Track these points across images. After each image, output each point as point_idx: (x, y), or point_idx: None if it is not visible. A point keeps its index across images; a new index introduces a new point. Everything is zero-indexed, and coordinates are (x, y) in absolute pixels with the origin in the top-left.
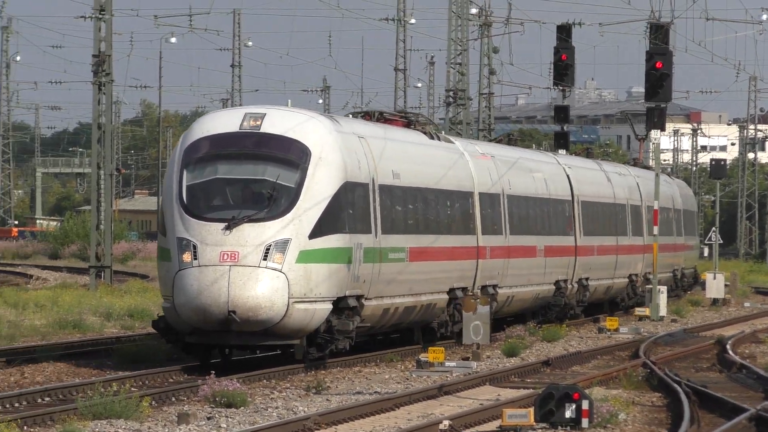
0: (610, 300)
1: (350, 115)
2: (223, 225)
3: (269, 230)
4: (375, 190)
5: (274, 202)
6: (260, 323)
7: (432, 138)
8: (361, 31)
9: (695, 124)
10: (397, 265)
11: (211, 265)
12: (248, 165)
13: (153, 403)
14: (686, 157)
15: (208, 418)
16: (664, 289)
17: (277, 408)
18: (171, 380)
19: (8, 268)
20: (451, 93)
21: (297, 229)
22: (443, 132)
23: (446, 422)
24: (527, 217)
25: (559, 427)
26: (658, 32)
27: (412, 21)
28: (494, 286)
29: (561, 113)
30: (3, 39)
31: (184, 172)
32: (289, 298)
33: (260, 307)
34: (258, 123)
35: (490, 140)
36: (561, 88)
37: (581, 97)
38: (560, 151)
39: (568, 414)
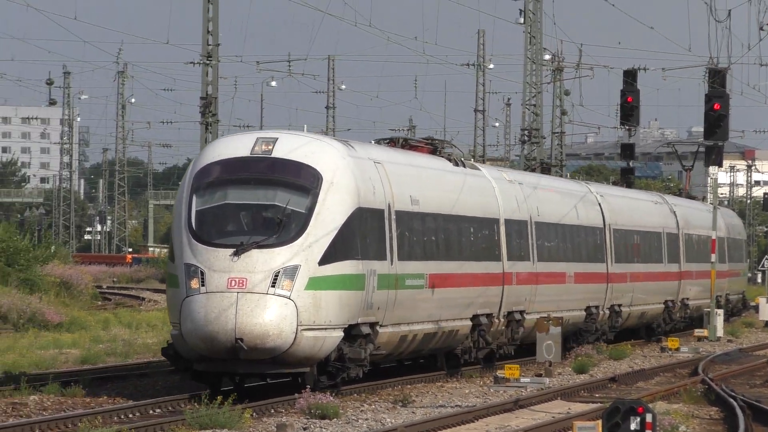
0: (647, 325)
1: (372, 141)
2: (231, 251)
3: (278, 256)
4: (391, 216)
5: (283, 227)
6: (268, 351)
7: (456, 165)
8: (444, 75)
9: (750, 161)
10: (415, 292)
11: (218, 291)
12: (258, 190)
13: (254, 414)
14: (741, 191)
15: (304, 429)
16: (721, 312)
17: (366, 419)
18: (270, 394)
19: (123, 292)
20: (526, 132)
21: (306, 255)
22: (472, 159)
23: None
24: (556, 244)
25: None
26: (716, 77)
27: (491, 66)
28: (521, 312)
29: (627, 150)
30: (119, 83)
31: (194, 197)
32: (297, 325)
33: (268, 335)
34: (270, 147)
35: (525, 169)
36: (627, 127)
37: (645, 135)
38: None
39: (633, 426)
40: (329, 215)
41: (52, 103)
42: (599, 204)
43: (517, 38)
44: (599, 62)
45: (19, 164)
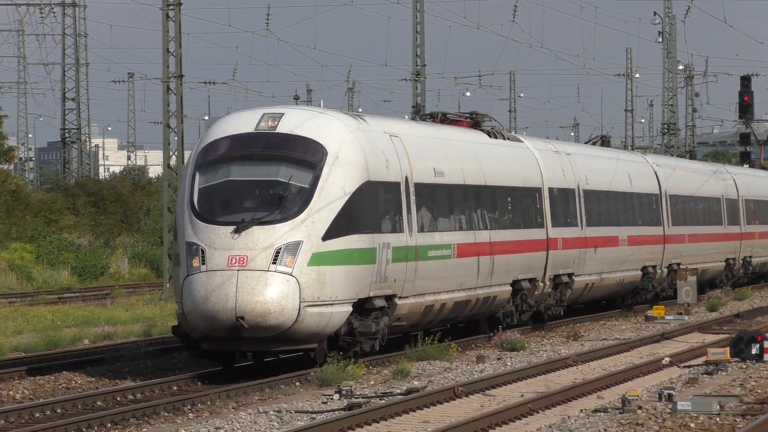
0: (709, 281)
1: (416, 117)
2: (232, 228)
3: (279, 233)
4: (409, 189)
5: (285, 203)
6: (270, 329)
7: (494, 137)
8: (601, 84)
9: None
10: (441, 262)
11: (218, 269)
12: (261, 166)
13: (458, 348)
14: None
15: (498, 359)
16: None
17: (546, 351)
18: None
19: None
20: (665, 126)
21: (309, 230)
22: (515, 132)
23: (667, 358)
24: (607, 210)
25: (747, 361)
26: None
27: (637, 75)
28: (570, 275)
29: (744, 139)
30: (349, 97)
31: (197, 175)
32: (300, 302)
33: (269, 313)
34: (275, 123)
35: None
36: (744, 120)
37: (758, 126)
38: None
39: (753, 351)
40: (334, 190)
41: None
42: (656, 173)
43: (657, 53)
44: (722, 70)
45: None
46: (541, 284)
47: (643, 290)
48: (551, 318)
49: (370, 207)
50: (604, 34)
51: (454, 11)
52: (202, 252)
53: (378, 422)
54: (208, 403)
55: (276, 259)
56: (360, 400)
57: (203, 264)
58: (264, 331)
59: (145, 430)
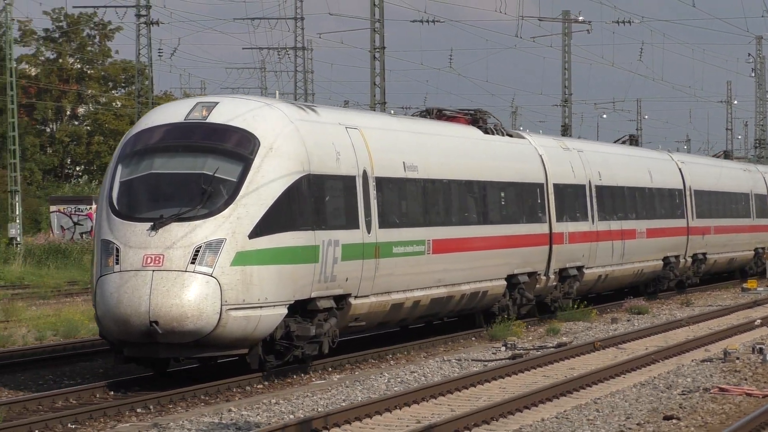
0: (740, 268)
1: (411, 114)
2: (148, 225)
3: (200, 230)
4: (368, 183)
5: (209, 198)
6: (188, 334)
7: (489, 133)
8: (707, 109)
9: None
10: (411, 259)
11: (132, 270)
12: (187, 158)
13: (597, 312)
14: None
15: (627, 320)
16: None
17: (665, 314)
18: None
19: None
20: (757, 141)
21: (234, 227)
22: (519, 130)
23: (758, 320)
24: (623, 205)
25: None
26: None
27: (735, 102)
28: (579, 268)
29: None
30: (513, 119)
31: (119, 168)
32: (221, 305)
33: (186, 317)
34: (207, 113)
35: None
36: None
37: None
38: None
39: None
40: (265, 184)
41: None
42: (680, 170)
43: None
44: None
45: None
46: (544, 278)
47: (664, 279)
48: (558, 308)
49: (311, 202)
50: (710, 70)
51: (594, 53)
52: (117, 251)
53: (535, 369)
54: (405, 353)
55: (195, 259)
56: (521, 351)
57: (117, 264)
58: (181, 336)
59: (357, 372)
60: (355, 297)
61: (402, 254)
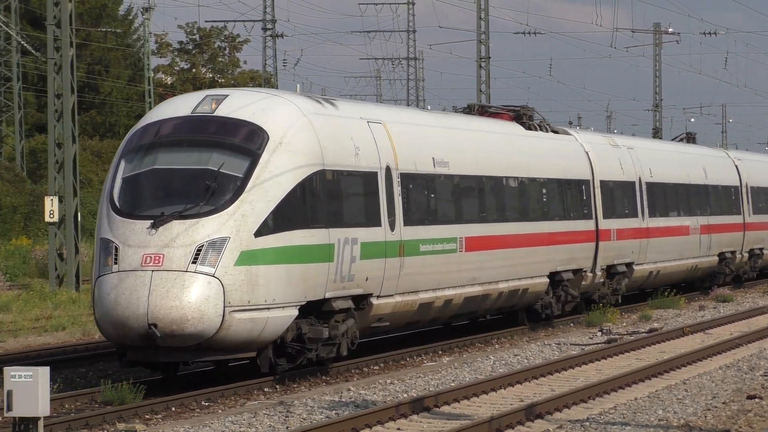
0: None
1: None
2: (149, 223)
3: (203, 228)
4: (392, 179)
5: (212, 195)
6: (189, 337)
7: (532, 129)
8: None
9: None
10: (441, 257)
11: (131, 270)
12: (192, 153)
13: (686, 300)
14: None
15: (714, 308)
16: None
17: (748, 302)
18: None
19: None
20: None
21: (239, 225)
22: (568, 126)
23: None
24: (676, 201)
25: None
26: None
27: None
28: (629, 264)
29: None
30: (607, 123)
31: (122, 163)
32: (224, 306)
33: (186, 319)
34: (215, 106)
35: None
36: None
37: None
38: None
39: None
40: (274, 179)
41: None
42: (737, 167)
43: None
44: None
45: None
46: (590, 274)
47: (720, 274)
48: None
49: (325, 199)
50: None
51: (682, 62)
52: (116, 250)
53: (628, 352)
54: (509, 337)
55: (197, 258)
56: (615, 336)
57: (116, 263)
58: (181, 339)
59: (465, 355)
60: (378, 297)
61: (430, 252)
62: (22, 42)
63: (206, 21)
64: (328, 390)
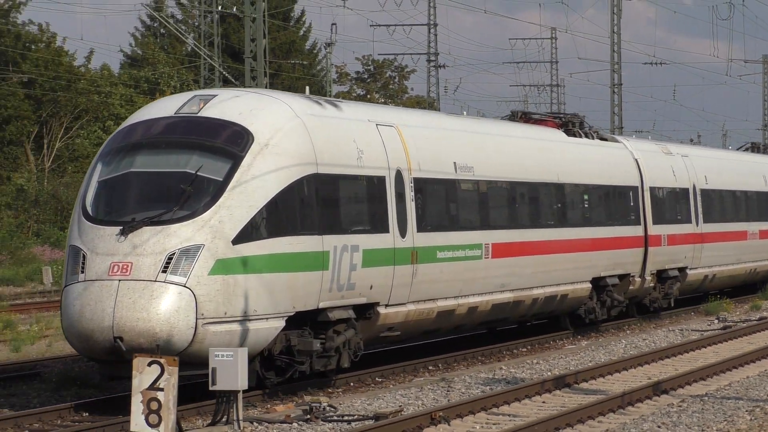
0: None
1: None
2: (118, 229)
3: (175, 235)
4: (404, 184)
5: (188, 199)
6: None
7: (576, 136)
8: None
9: None
10: (463, 264)
11: (98, 279)
12: (171, 156)
13: (734, 304)
14: None
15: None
16: None
17: None
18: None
19: None
20: None
21: (215, 232)
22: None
23: None
24: (734, 208)
25: None
26: None
27: None
28: (682, 269)
29: None
30: (723, 140)
31: (98, 166)
32: (197, 318)
33: (154, 333)
34: (201, 106)
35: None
36: None
37: None
38: None
39: None
40: (256, 183)
41: None
42: None
43: None
44: None
45: None
46: (638, 279)
47: None
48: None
49: (318, 204)
50: None
51: None
52: (84, 257)
53: (741, 337)
54: (637, 324)
55: (167, 267)
56: (730, 323)
57: (83, 272)
58: (149, 354)
59: (600, 339)
60: (386, 306)
61: (450, 259)
62: (224, 72)
63: (379, 54)
64: (483, 368)
